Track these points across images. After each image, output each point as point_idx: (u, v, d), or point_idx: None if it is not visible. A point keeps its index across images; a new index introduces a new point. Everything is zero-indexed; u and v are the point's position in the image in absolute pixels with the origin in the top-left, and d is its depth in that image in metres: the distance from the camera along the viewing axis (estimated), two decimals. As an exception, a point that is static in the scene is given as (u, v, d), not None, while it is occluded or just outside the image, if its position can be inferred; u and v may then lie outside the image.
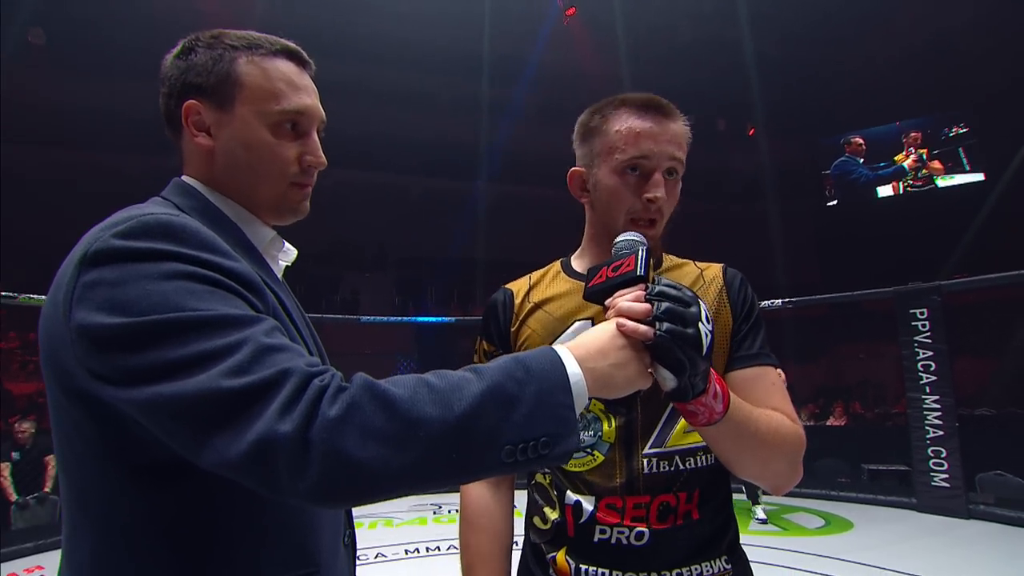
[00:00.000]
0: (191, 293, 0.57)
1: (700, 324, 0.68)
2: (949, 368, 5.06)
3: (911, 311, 5.19)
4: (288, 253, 0.84)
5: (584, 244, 1.05)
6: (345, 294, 12.81)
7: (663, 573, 0.91)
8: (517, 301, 1.04)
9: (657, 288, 0.70)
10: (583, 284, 0.79)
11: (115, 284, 0.57)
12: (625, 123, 0.92)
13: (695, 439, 0.94)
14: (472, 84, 12.62)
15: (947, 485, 4.96)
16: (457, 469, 0.55)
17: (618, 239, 0.82)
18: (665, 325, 0.66)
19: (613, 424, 0.95)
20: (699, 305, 0.70)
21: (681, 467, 0.94)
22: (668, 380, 0.70)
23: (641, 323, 0.67)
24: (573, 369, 0.60)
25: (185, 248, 0.60)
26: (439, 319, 8.53)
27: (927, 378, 5.10)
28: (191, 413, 0.53)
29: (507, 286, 1.08)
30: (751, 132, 14.88)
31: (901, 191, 13.64)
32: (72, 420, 0.62)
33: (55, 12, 9.92)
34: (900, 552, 4.13)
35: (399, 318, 8.42)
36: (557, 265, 1.08)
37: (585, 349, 0.64)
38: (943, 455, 5.00)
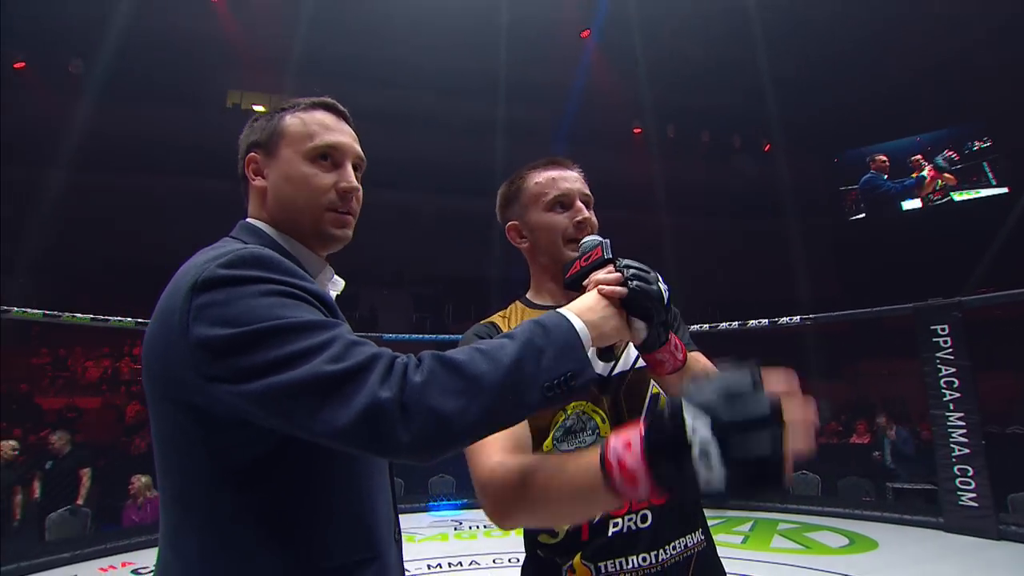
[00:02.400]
0: (284, 306, 0.70)
1: (659, 284, 0.89)
2: (973, 384, 4.98)
3: (932, 327, 5.15)
4: (337, 284, 0.98)
5: (533, 281, 1.24)
6: (364, 311, 13.00)
7: (664, 548, 1.04)
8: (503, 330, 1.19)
9: (624, 262, 0.90)
10: (547, 309, 0.95)
11: (224, 304, 0.70)
12: (541, 175, 1.17)
13: None
14: (489, 105, 12.87)
15: (975, 504, 4.86)
16: (514, 407, 0.69)
17: (583, 240, 1.01)
18: (634, 283, 0.86)
19: (605, 419, 1.07)
20: (656, 273, 0.90)
21: None
22: (640, 330, 0.88)
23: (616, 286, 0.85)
24: (577, 322, 0.77)
25: (274, 273, 0.74)
26: (458, 337, 8.64)
27: (950, 395, 5.03)
28: (303, 394, 0.65)
29: (490, 321, 1.23)
30: (767, 148, 14.89)
31: (921, 205, 13.55)
32: (177, 425, 0.74)
33: (94, 44, 10.40)
34: (926, 572, 4.07)
35: (420, 336, 8.54)
36: (517, 303, 1.26)
37: (579, 308, 0.82)
38: (970, 473, 4.91)
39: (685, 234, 13.08)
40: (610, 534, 1.03)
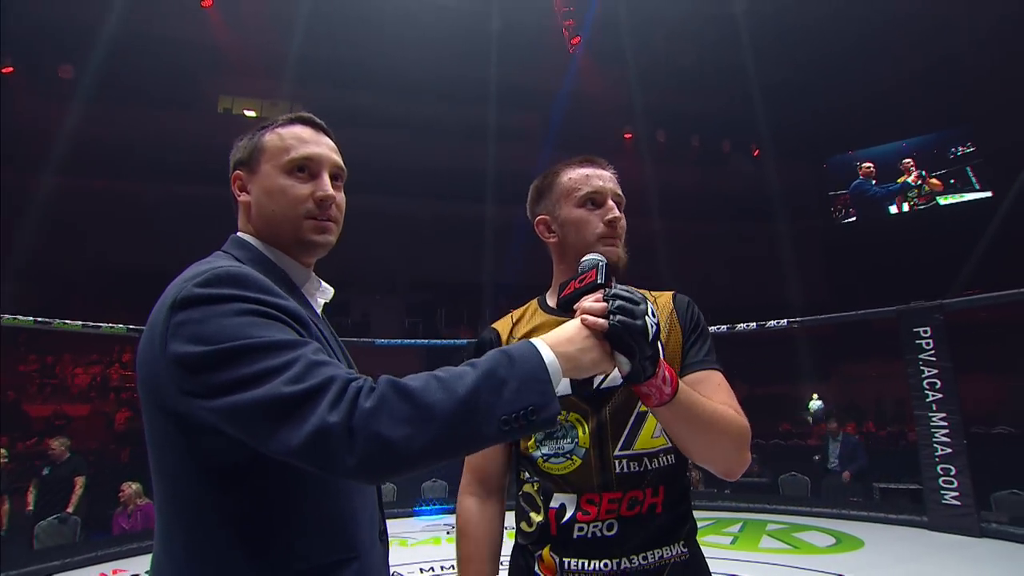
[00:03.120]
0: (255, 325, 0.73)
1: (647, 318, 0.85)
2: (955, 386, 5.08)
3: (914, 330, 5.25)
4: (326, 292, 1.01)
5: (555, 279, 1.23)
6: (356, 317, 12.98)
7: (630, 557, 1.06)
8: (504, 338, 1.21)
9: (612, 291, 0.87)
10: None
11: (199, 322, 0.74)
12: (575, 172, 1.17)
13: (659, 443, 1.10)
14: (481, 111, 12.92)
15: (958, 503, 4.95)
16: (466, 439, 0.70)
17: (582, 259, 0.98)
18: (617, 317, 0.83)
19: (587, 431, 1.10)
20: (647, 304, 0.87)
21: (649, 467, 1.09)
22: (624, 364, 0.86)
23: (600, 317, 0.83)
24: (547, 353, 0.77)
25: (249, 292, 0.77)
26: (450, 342, 8.67)
27: (933, 396, 5.12)
28: (261, 414, 0.68)
29: (493, 326, 1.25)
30: (756, 153, 15.05)
31: (907, 208, 13.77)
32: (166, 431, 0.78)
33: (80, 46, 10.36)
34: (911, 571, 4.14)
35: (412, 341, 8.56)
36: (534, 303, 1.25)
37: (555, 338, 0.81)
38: (952, 473, 5.00)
39: (675, 238, 13.19)
40: (575, 536, 1.07)
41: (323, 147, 0.95)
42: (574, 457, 1.09)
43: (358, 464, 0.65)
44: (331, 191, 0.93)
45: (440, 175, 13.06)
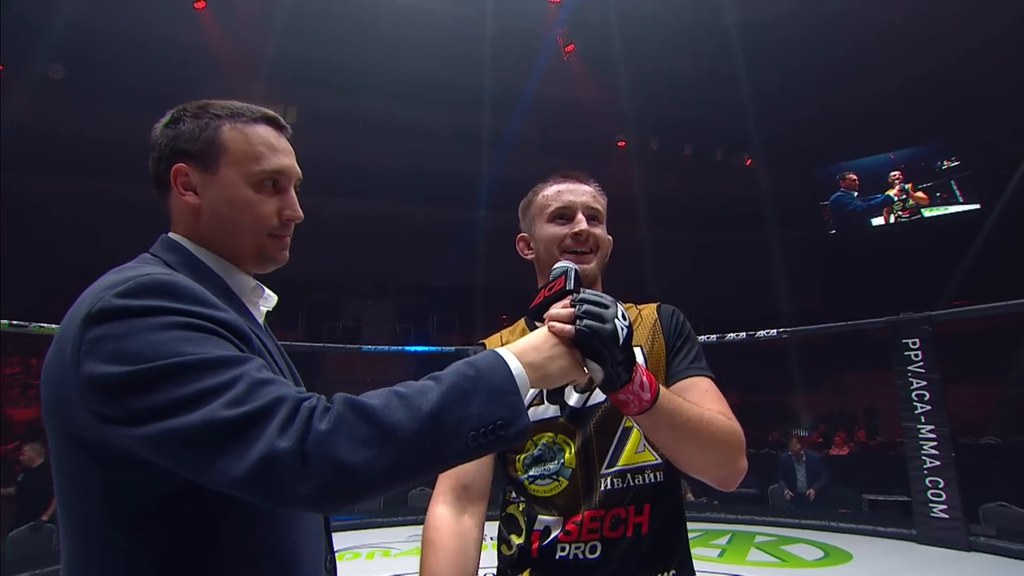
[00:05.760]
0: (188, 340, 0.65)
1: (616, 320, 0.81)
2: (943, 398, 5.07)
3: (903, 341, 5.24)
4: (269, 300, 0.91)
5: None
6: (347, 322, 12.89)
7: None
8: None
9: (580, 296, 0.84)
10: None
11: (120, 338, 0.64)
12: (549, 188, 1.19)
13: (644, 458, 1.05)
14: (473, 116, 12.93)
15: (946, 516, 4.92)
16: (432, 459, 0.64)
17: (554, 267, 0.95)
18: (584, 322, 0.79)
19: (573, 451, 1.06)
20: (616, 307, 0.83)
21: (632, 483, 1.05)
22: (596, 371, 0.82)
23: (567, 323, 0.79)
24: (514, 364, 0.71)
25: (179, 303, 0.68)
26: (440, 348, 8.59)
27: (922, 407, 5.11)
28: (198, 442, 0.60)
29: (482, 342, 1.24)
30: (748, 163, 15.13)
31: (892, 221, 13.89)
32: (76, 463, 0.69)
33: (74, 48, 10.30)
34: (899, 585, 4.10)
35: (400, 348, 8.49)
36: (522, 322, 1.24)
37: (522, 348, 0.76)
38: (941, 485, 4.98)
39: (667, 245, 13.22)
40: (556, 558, 1.03)
41: (290, 156, 0.87)
42: (560, 478, 1.06)
43: (312, 493, 0.58)
44: (300, 213, 0.87)
45: (434, 179, 13.05)
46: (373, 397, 0.64)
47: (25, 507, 5.10)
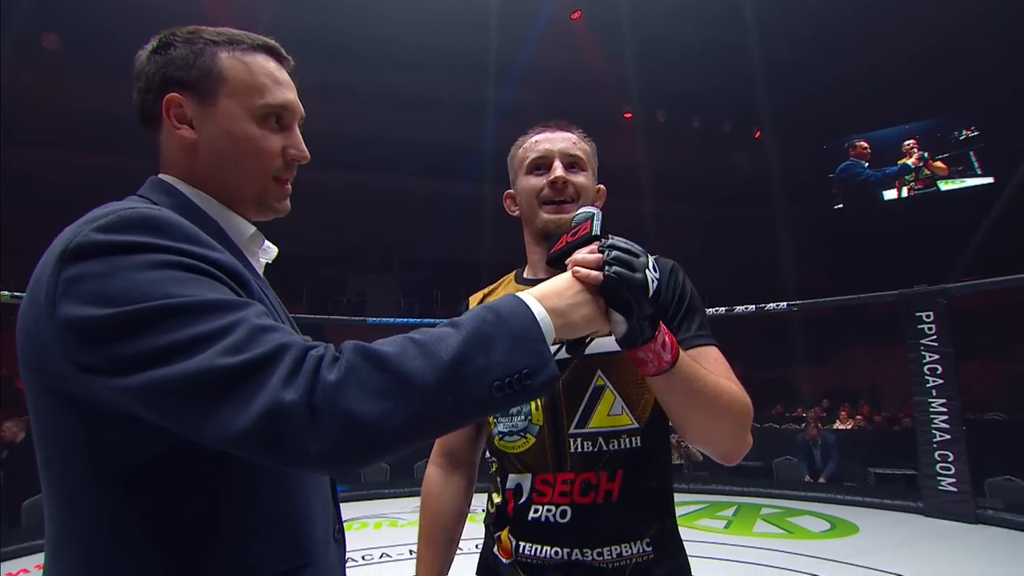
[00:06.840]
0: (178, 281, 0.57)
1: (647, 271, 0.76)
2: (955, 372, 5.03)
3: (917, 314, 5.17)
4: (268, 251, 0.83)
5: (527, 253, 1.16)
6: (352, 295, 12.88)
7: (584, 551, 0.97)
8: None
9: (608, 241, 0.78)
10: (536, 283, 0.83)
11: (101, 277, 0.56)
12: (528, 140, 1.12)
13: (619, 422, 0.99)
14: (479, 87, 12.68)
15: (954, 489, 4.93)
16: (454, 411, 0.58)
17: (576, 213, 0.88)
18: (613, 269, 0.74)
19: (540, 406, 1.02)
20: (647, 256, 0.78)
21: (604, 448, 0.99)
22: (619, 324, 0.77)
23: (594, 270, 0.74)
24: (538, 308, 0.65)
25: (168, 240, 0.60)
26: (445, 321, 8.59)
27: (933, 381, 5.07)
28: (192, 393, 0.53)
29: (469, 298, 1.21)
30: (757, 135, 14.85)
31: (904, 194, 13.58)
32: (57, 421, 0.61)
33: (66, 16, 10.06)
34: (905, 556, 4.11)
35: (405, 319, 8.45)
36: (510, 275, 1.19)
37: (543, 292, 0.70)
38: (950, 459, 4.97)
39: (674, 219, 13.06)
40: (529, 518, 1.01)
41: (294, 91, 0.79)
42: (528, 435, 1.03)
43: (324, 451, 0.52)
44: (306, 152, 0.79)
45: (438, 152, 12.88)
46: (387, 344, 0.58)
47: (16, 484, 4.97)
